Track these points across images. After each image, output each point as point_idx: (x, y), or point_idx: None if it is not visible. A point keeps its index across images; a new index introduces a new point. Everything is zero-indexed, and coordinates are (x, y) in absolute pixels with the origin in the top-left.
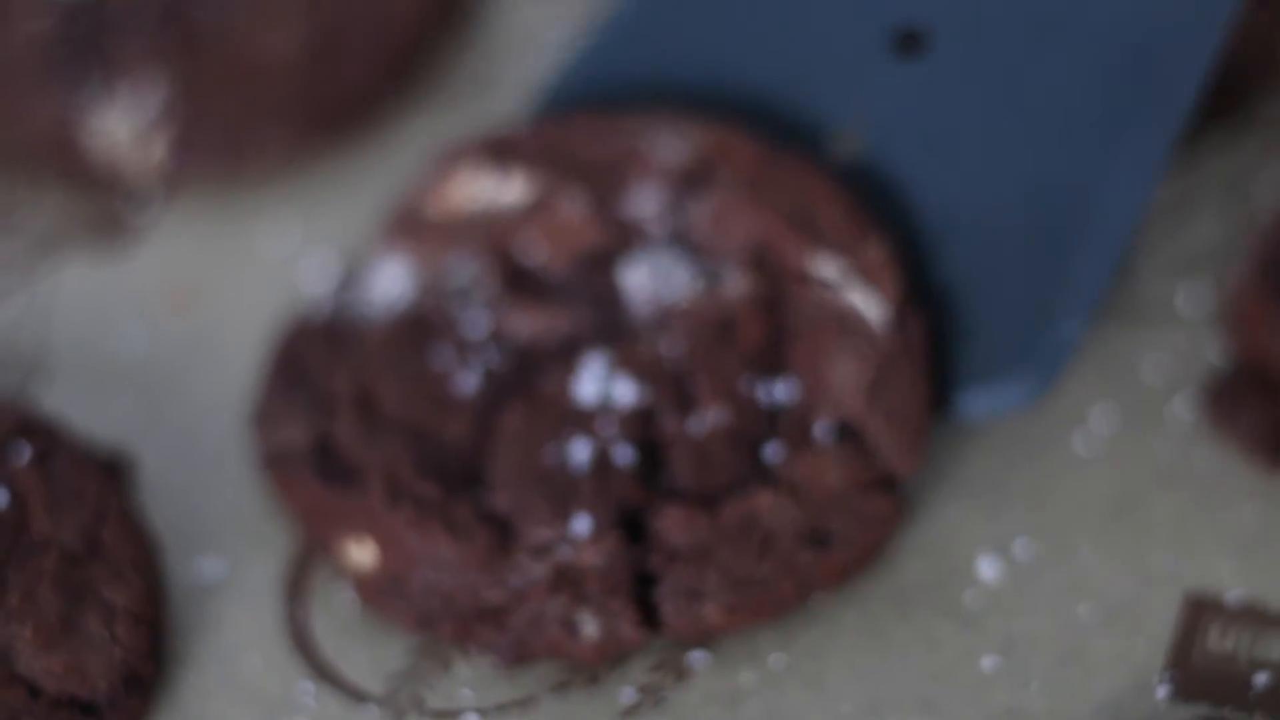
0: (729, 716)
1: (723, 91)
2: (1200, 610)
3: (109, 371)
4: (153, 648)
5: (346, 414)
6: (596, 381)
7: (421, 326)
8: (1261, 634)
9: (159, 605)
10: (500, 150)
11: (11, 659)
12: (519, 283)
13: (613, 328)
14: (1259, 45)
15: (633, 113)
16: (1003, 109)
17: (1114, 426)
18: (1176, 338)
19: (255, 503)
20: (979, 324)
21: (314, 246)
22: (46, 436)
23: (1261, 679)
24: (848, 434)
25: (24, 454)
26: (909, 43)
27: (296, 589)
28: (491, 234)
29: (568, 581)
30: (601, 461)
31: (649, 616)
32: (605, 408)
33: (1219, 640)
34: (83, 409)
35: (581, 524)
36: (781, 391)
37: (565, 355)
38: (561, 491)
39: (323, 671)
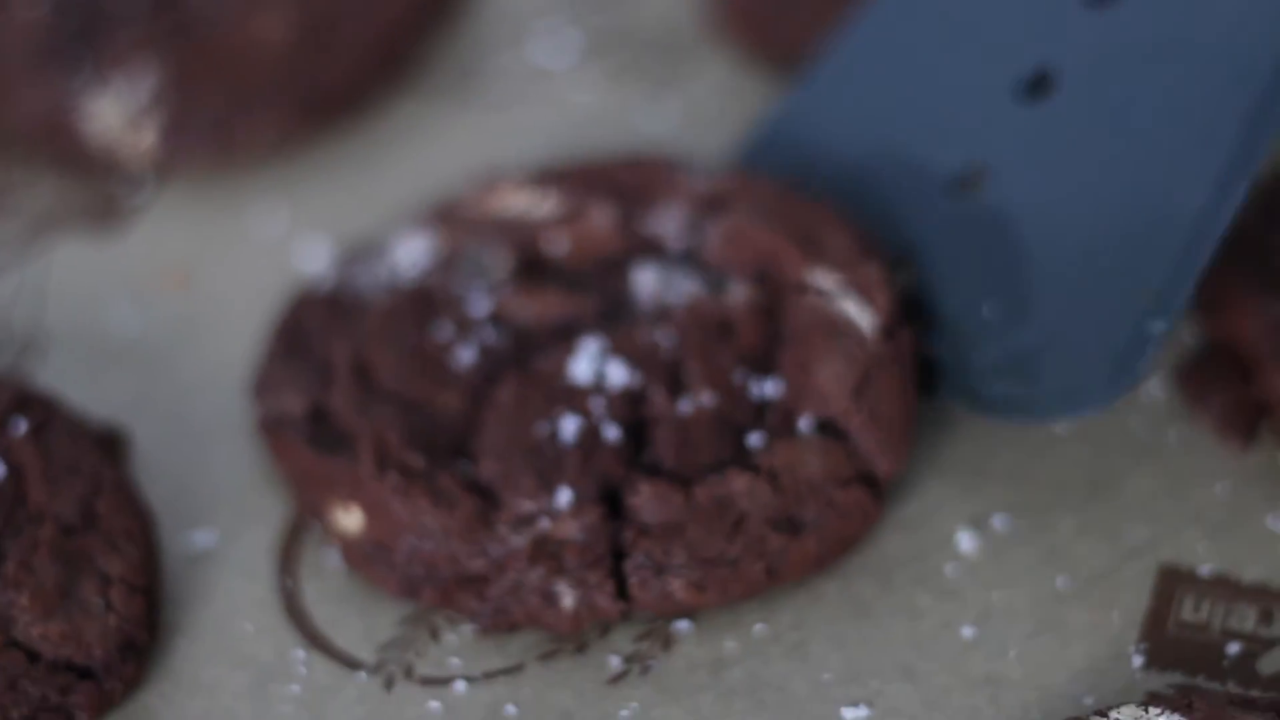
0: (714, 684)
1: (874, 142)
2: (1174, 582)
3: (102, 349)
4: (147, 615)
5: (342, 382)
6: (591, 362)
7: (425, 302)
8: (1233, 605)
9: (153, 574)
10: (542, 176)
11: (10, 625)
12: (531, 269)
13: (613, 317)
14: None
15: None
16: (1109, 133)
17: None
18: None
19: (247, 476)
20: (1074, 329)
21: (303, 229)
22: (43, 410)
23: (1234, 649)
24: (831, 430)
25: (21, 427)
26: (1038, 86)
27: (287, 559)
28: (518, 230)
29: (547, 553)
30: (588, 438)
31: (626, 592)
32: (598, 388)
33: (1192, 611)
34: (77, 385)
35: (563, 497)
36: (771, 388)
37: (563, 338)
38: (546, 465)
39: (314, 639)
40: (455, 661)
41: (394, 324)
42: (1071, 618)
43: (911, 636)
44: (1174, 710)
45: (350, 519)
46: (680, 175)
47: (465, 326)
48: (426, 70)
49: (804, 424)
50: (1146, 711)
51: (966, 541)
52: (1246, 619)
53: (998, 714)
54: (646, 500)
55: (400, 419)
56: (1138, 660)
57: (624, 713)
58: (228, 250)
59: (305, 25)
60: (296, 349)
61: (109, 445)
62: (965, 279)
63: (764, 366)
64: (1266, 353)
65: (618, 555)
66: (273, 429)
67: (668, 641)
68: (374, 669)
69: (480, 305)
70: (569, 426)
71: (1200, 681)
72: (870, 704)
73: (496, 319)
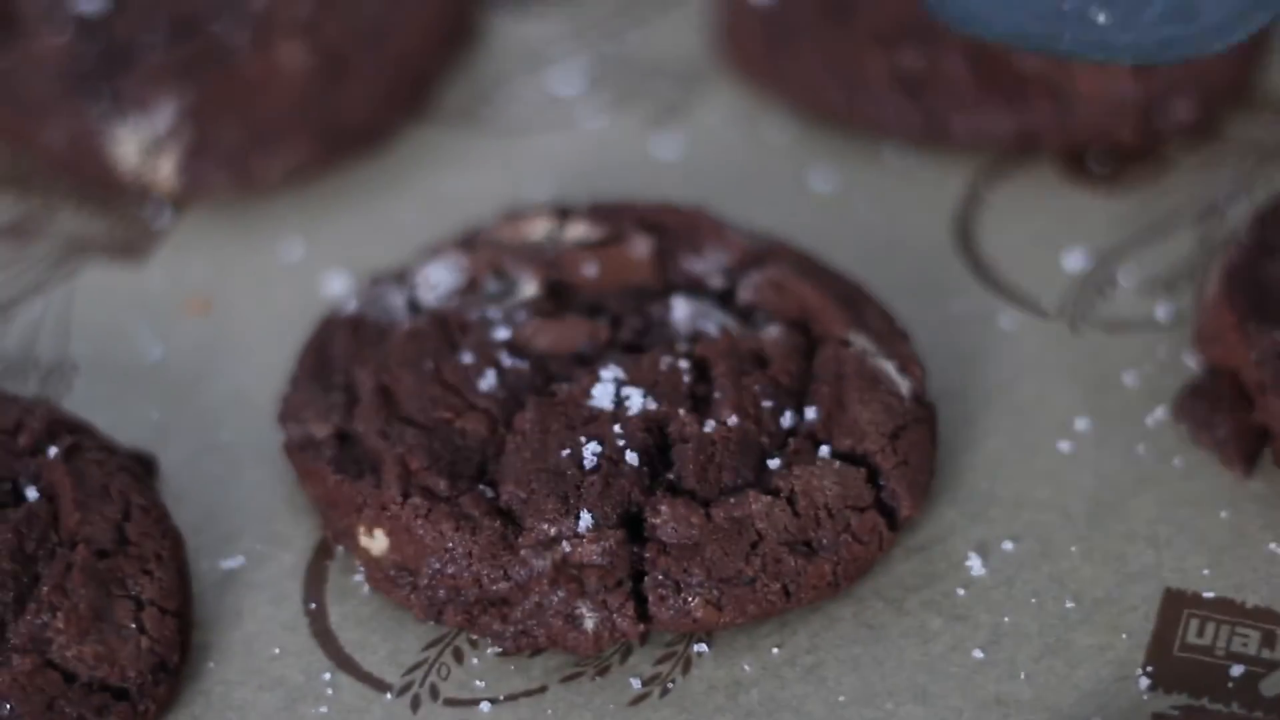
0: (731, 705)
1: None
2: (1179, 606)
3: (126, 376)
4: (179, 638)
5: (366, 406)
6: (610, 389)
7: (448, 327)
8: (1237, 628)
9: (184, 597)
10: (576, 208)
11: (46, 647)
12: (556, 294)
13: (636, 346)
14: (1233, 71)
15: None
16: None
17: (1098, 433)
18: (1157, 350)
19: (273, 500)
20: None
21: (323, 256)
22: (74, 434)
23: (1237, 671)
24: (854, 460)
25: (53, 451)
26: None
27: (313, 582)
28: (547, 255)
29: (569, 575)
30: (609, 463)
31: (646, 612)
32: (619, 413)
33: (1197, 634)
34: (102, 412)
35: (584, 521)
36: (800, 417)
37: (584, 364)
38: (567, 489)
39: (341, 661)
40: (479, 684)
41: (416, 349)
42: (1079, 640)
43: (924, 658)
44: None
45: (375, 542)
46: (724, 227)
47: (486, 352)
48: (442, 98)
49: (825, 451)
50: None
51: (976, 566)
52: (1249, 641)
53: None
54: (666, 520)
55: (423, 443)
56: (1144, 683)
57: None
58: (249, 277)
59: (324, 55)
60: (322, 373)
61: (138, 469)
62: None
63: (795, 398)
64: (1268, 380)
65: (638, 578)
66: (299, 453)
67: (687, 664)
68: (400, 691)
69: (501, 331)
70: (590, 451)
71: (1205, 704)
72: None
73: (516, 345)
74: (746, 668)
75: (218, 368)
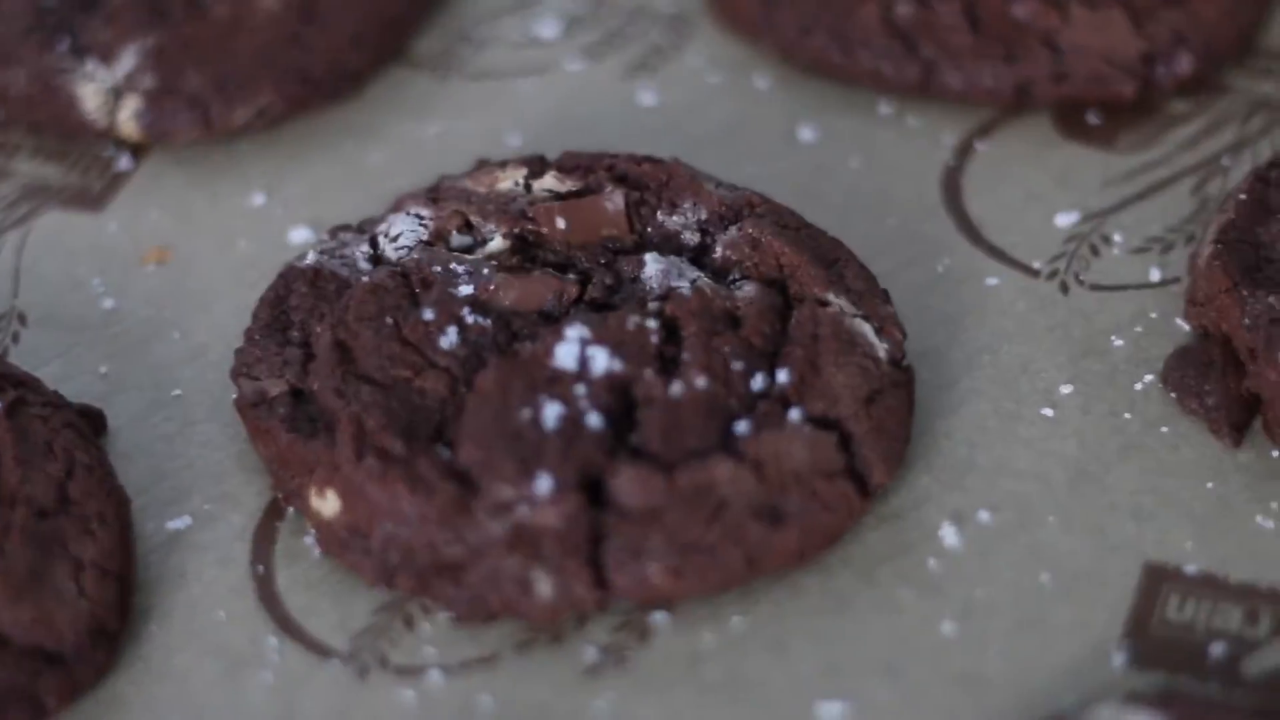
0: (690, 677)
1: None
2: (1159, 580)
3: (77, 327)
4: (120, 601)
5: (323, 363)
6: (575, 347)
7: (409, 282)
8: (1219, 605)
9: (126, 559)
10: (549, 158)
11: None
12: (525, 248)
13: (605, 303)
14: (1236, 23)
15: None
16: None
17: (1083, 399)
18: (1150, 313)
19: (224, 458)
20: None
21: (289, 205)
22: (17, 389)
23: (1218, 649)
24: (825, 425)
25: None
26: None
27: (262, 545)
28: (515, 206)
29: (525, 541)
30: (570, 425)
31: (604, 579)
32: (582, 374)
33: (1177, 610)
34: (51, 364)
35: (543, 484)
36: (772, 379)
37: (549, 322)
38: (526, 451)
39: (287, 627)
40: (430, 651)
41: (376, 304)
42: (1054, 615)
43: (892, 632)
44: (1154, 710)
45: (326, 504)
46: (701, 180)
47: (448, 308)
48: (417, 40)
49: (796, 414)
50: (1126, 710)
51: (950, 536)
52: (1231, 618)
53: (976, 712)
54: (626, 483)
55: (380, 402)
56: (1119, 659)
57: (599, 704)
58: (210, 227)
59: (292, 2)
60: (278, 327)
61: (84, 425)
62: None
63: (767, 360)
64: (1260, 346)
65: (596, 544)
66: (251, 410)
67: (645, 633)
68: (348, 658)
69: (465, 286)
70: (551, 413)
71: (1183, 681)
72: (848, 700)
73: (481, 302)
74: (708, 638)
75: (173, 320)
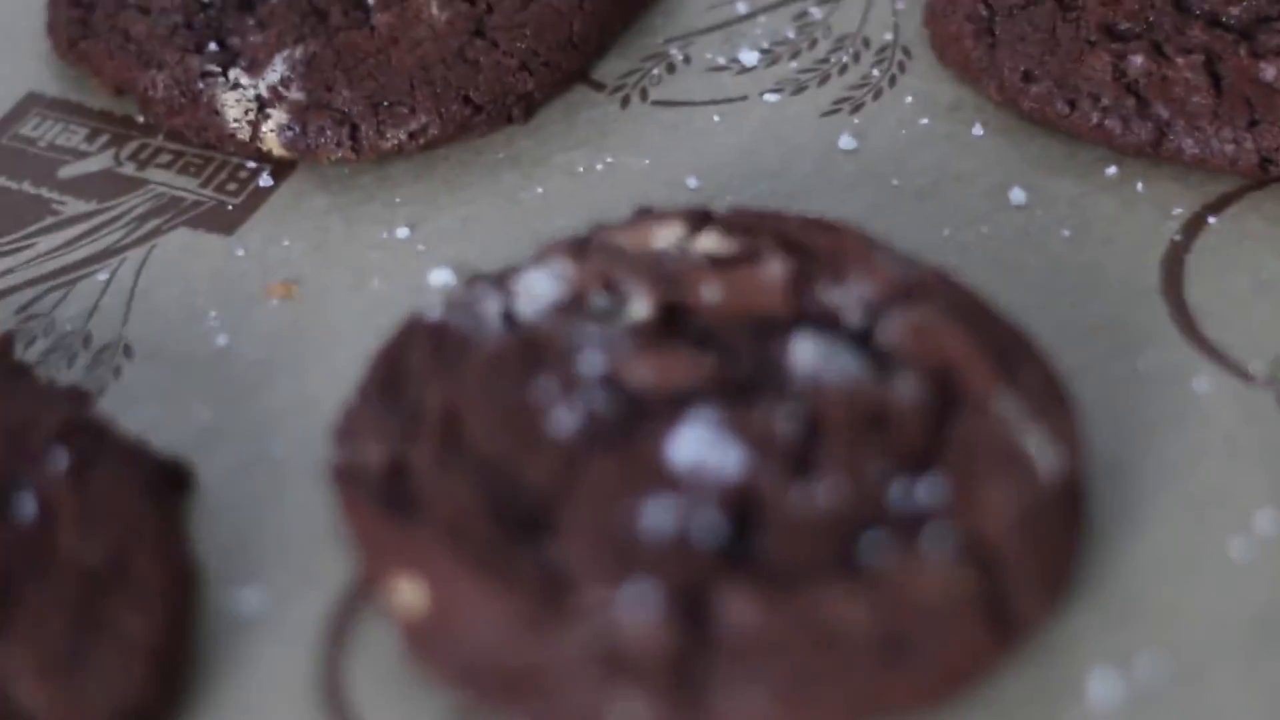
0: None
1: None
2: None
3: (184, 364)
4: (167, 686)
5: (429, 436)
6: (701, 442)
7: (535, 350)
8: None
9: (180, 639)
10: (711, 214)
11: (11, 684)
12: (671, 318)
13: (744, 391)
14: None
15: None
16: None
17: None
18: None
19: (315, 528)
20: None
21: (432, 242)
22: (92, 441)
23: None
24: (973, 554)
25: (63, 460)
26: None
27: (339, 633)
28: (668, 270)
29: (615, 655)
30: (683, 528)
31: (702, 708)
32: (705, 471)
33: None
34: (147, 405)
35: (642, 594)
36: (916, 492)
37: (681, 405)
38: (627, 555)
39: None
40: None
41: (496, 373)
42: None
43: None
44: None
45: (413, 592)
46: (874, 253)
47: (572, 385)
48: (596, 63)
49: (933, 535)
50: None
51: (1100, 686)
52: None
53: None
54: (737, 603)
55: (483, 485)
56: None
57: None
58: (344, 259)
59: (460, 12)
60: (391, 387)
61: (164, 482)
62: None
63: (915, 468)
64: None
65: (694, 667)
66: (345, 478)
67: None
68: None
69: (595, 360)
70: (662, 514)
71: None
72: None
73: (610, 380)
74: None
75: (288, 365)
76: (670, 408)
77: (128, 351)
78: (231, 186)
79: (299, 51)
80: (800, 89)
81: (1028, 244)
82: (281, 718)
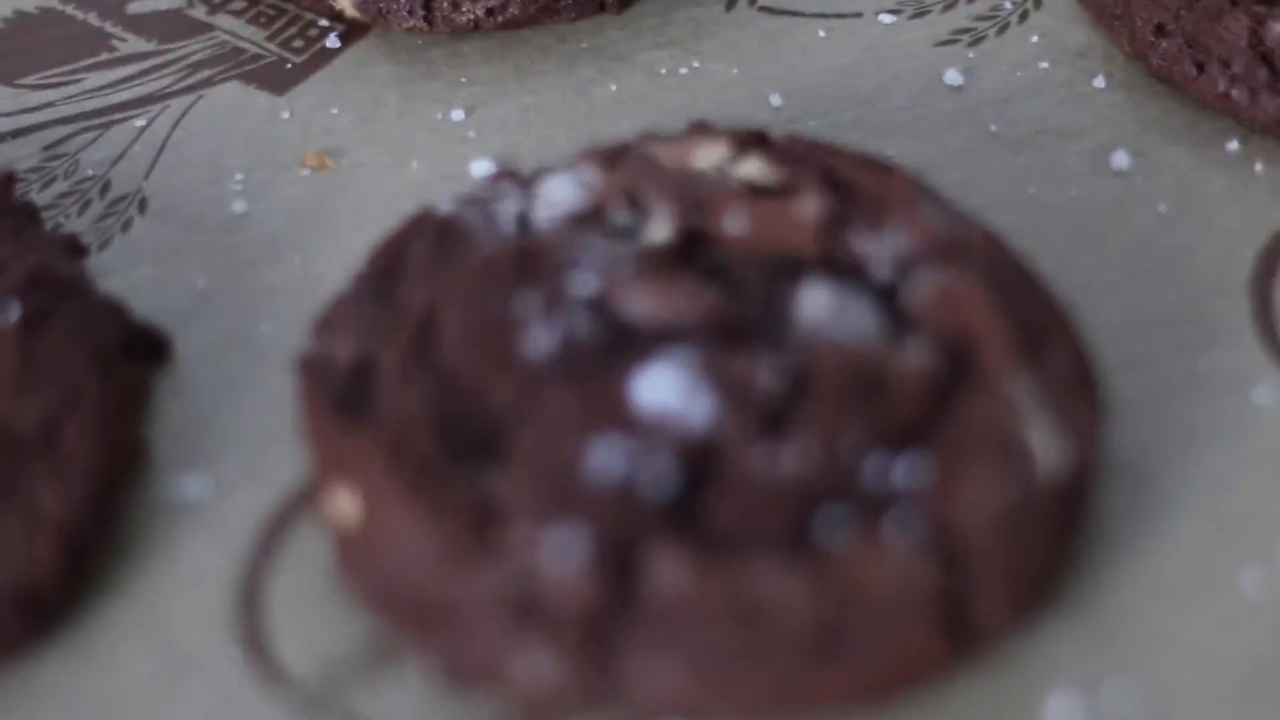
0: None
1: None
2: None
3: (197, 225)
4: (74, 568)
5: (401, 339)
6: (672, 385)
7: (532, 260)
8: None
9: (102, 523)
10: (759, 137)
11: None
12: (687, 247)
13: (740, 335)
14: None
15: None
16: None
17: None
18: None
19: (282, 420)
20: None
21: (487, 129)
22: (54, 298)
23: None
24: (939, 547)
25: (14, 313)
26: None
27: (273, 537)
28: (698, 191)
29: (533, 602)
30: (630, 475)
31: (612, 671)
32: (671, 417)
33: None
34: (148, 265)
35: (572, 541)
36: (892, 472)
37: (670, 341)
38: (566, 494)
39: (256, 641)
40: (402, 707)
41: (483, 281)
42: None
43: None
44: None
45: (349, 502)
46: (923, 203)
47: (558, 304)
48: None
49: (901, 520)
50: None
51: (1057, 711)
52: None
53: None
54: (668, 565)
55: (441, 399)
56: None
57: None
58: (390, 137)
59: None
60: (384, 282)
61: (142, 348)
62: None
63: (900, 445)
64: None
65: (614, 627)
66: (309, 373)
67: None
68: (305, 697)
69: (587, 282)
70: (611, 456)
71: None
72: None
73: (600, 304)
74: None
75: (300, 241)
76: (654, 342)
77: (142, 205)
78: (298, 44)
79: None
80: (921, 12)
81: (1118, 215)
82: (189, 617)
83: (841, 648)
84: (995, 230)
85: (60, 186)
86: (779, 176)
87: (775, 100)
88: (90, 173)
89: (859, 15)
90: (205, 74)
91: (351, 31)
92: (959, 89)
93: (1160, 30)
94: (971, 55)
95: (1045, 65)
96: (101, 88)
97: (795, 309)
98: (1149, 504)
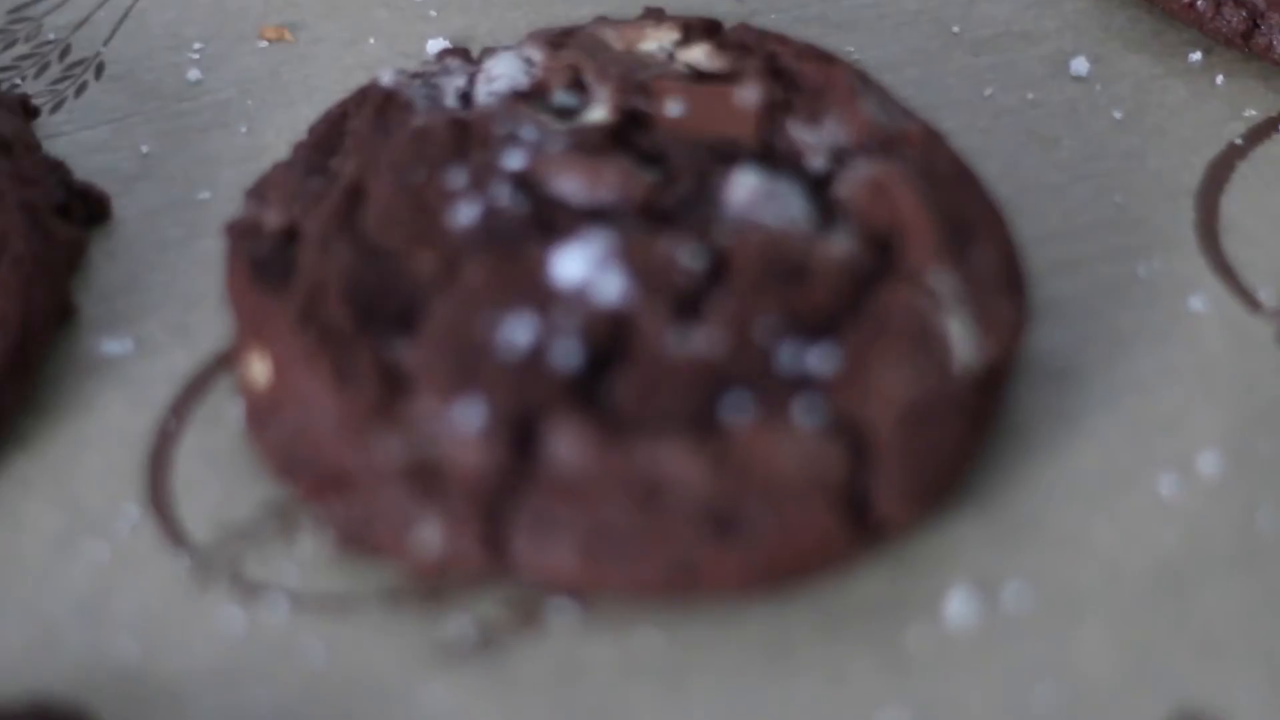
0: (553, 691)
1: None
2: None
3: (150, 92)
4: None
5: (328, 207)
6: (586, 262)
7: (464, 134)
8: None
9: (16, 378)
10: (705, 24)
11: None
12: (626, 128)
13: (666, 217)
14: None
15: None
16: None
17: (1223, 481)
18: None
19: (210, 285)
20: None
21: (449, 7)
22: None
23: None
24: (842, 433)
25: None
26: None
27: (188, 400)
28: (643, 76)
29: (427, 472)
30: (538, 351)
31: (503, 543)
32: (583, 295)
33: None
34: (95, 128)
35: (471, 412)
36: (806, 359)
37: (593, 220)
38: (469, 368)
39: (158, 500)
40: (292, 572)
41: (413, 153)
42: None
43: (816, 706)
44: None
45: (260, 367)
46: (864, 96)
47: (485, 178)
48: None
49: (807, 408)
50: None
51: (956, 606)
52: None
53: None
54: (564, 438)
55: (359, 268)
56: None
57: (434, 690)
58: (352, 11)
59: None
60: (324, 151)
61: (81, 209)
62: None
63: (814, 334)
64: None
65: (508, 499)
66: (235, 237)
67: (531, 621)
68: (200, 557)
69: (517, 157)
70: (520, 330)
71: None
72: None
73: (526, 179)
74: (595, 651)
75: (250, 111)
76: (580, 221)
77: (99, 70)
78: None
79: None
80: None
81: (1072, 119)
82: (95, 474)
83: (738, 531)
84: (941, 129)
85: (20, 49)
86: (723, 63)
87: None
88: (52, 36)
89: None
90: None
91: None
92: None
93: None
94: None
95: None
96: None
97: (725, 194)
98: (1071, 405)
